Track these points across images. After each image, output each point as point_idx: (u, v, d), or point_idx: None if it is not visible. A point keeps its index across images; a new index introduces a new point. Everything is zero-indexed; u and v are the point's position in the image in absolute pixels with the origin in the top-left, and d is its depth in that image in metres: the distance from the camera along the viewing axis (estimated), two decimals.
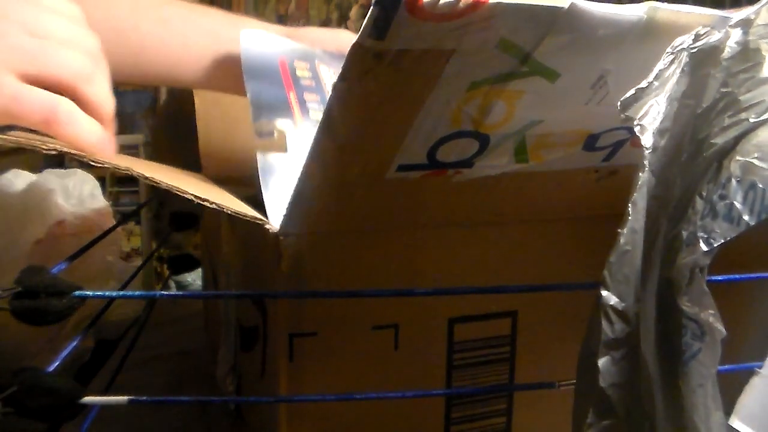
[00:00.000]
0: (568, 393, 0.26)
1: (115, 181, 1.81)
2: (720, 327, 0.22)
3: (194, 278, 0.86)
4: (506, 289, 0.36)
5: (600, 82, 0.28)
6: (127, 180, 1.76)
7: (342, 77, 0.25)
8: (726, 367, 0.30)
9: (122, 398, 0.30)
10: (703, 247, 0.21)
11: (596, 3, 0.25)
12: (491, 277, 0.38)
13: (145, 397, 0.31)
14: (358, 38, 0.24)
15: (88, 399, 0.29)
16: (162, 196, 0.81)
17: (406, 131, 0.28)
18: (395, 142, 0.29)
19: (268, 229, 0.32)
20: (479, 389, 0.39)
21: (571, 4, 0.24)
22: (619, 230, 0.23)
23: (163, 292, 0.80)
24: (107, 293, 0.47)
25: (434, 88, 0.26)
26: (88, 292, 0.30)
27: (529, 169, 0.33)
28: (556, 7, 0.24)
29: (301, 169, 0.29)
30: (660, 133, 0.23)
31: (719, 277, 0.28)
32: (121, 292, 0.53)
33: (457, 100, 0.27)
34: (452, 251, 0.37)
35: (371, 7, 0.23)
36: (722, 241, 0.21)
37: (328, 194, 0.31)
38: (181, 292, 0.84)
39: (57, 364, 0.34)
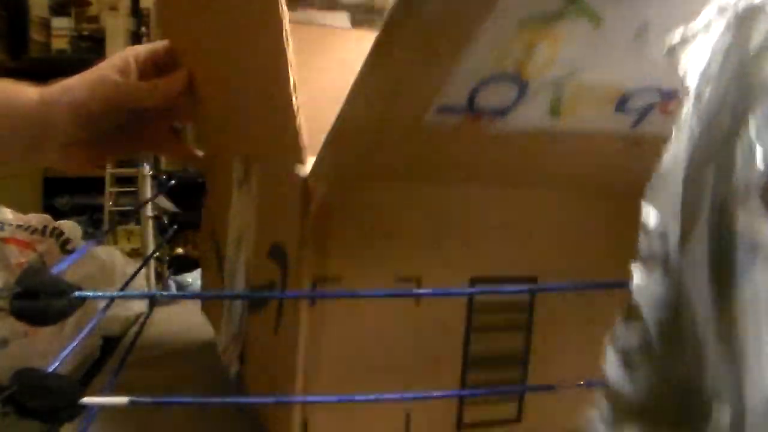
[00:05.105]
0: (583, 367, 0.26)
1: (114, 181, 1.80)
2: None
3: (194, 278, 0.86)
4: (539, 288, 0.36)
5: (641, 32, 0.28)
6: (127, 180, 1.76)
7: (395, 5, 0.25)
8: None
9: (122, 398, 0.30)
10: (759, 157, 0.21)
11: None
12: (513, 241, 0.38)
13: (145, 398, 0.30)
14: None
15: (88, 399, 0.29)
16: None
17: (454, 65, 0.28)
18: (441, 77, 0.28)
19: (297, 173, 0.32)
20: (489, 390, 0.39)
21: None
22: (665, 148, 0.23)
23: (163, 292, 0.80)
24: (107, 293, 0.47)
25: (485, 22, 0.26)
26: (88, 293, 0.30)
27: (560, 127, 0.33)
28: None
29: (342, 105, 0.29)
30: (705, 80, 0.23)
31: None
32: (122, 293, 0.53)
33: (505, 38, 0.27)
34: (478, 210, 0.37)
35: None
36: None
37: (365, 136, 0.31)
38: (181, 292, 0.84)
39: (57, 364, 0.34)
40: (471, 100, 0.30)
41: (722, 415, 0.22)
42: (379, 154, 0.33)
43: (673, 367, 0.23)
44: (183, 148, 0.59)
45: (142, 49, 0.51)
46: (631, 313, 0.23)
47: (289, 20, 0.33)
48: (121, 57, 0.50)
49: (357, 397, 0.34)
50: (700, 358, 0.22)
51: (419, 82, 0.29)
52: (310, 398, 0.35)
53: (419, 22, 0.26)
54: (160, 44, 0.51)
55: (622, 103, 0.32)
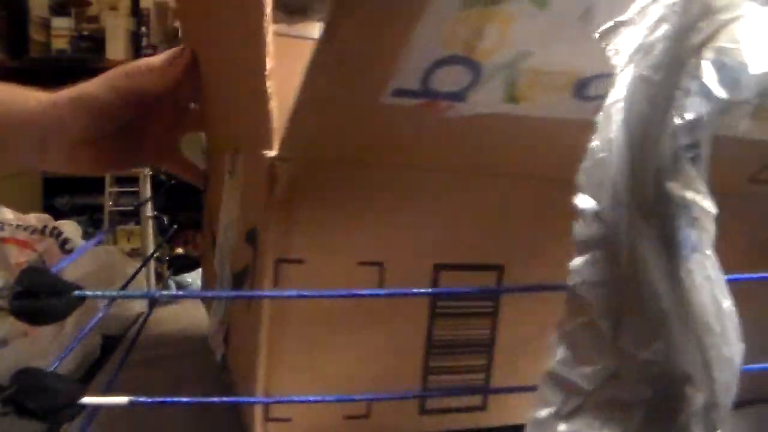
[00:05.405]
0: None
1: (114, 181, 1.80)
2: (707, 205, 0.22)
3: (194, 278, 0.86)
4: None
5: (587, 15, 0.28)
6: (127, 180, 1.76)
7: None
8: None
9: (122, 398, 0.30)
10: (678, 121, 0.21)
11: None
12: (478, 229, 0.38)
13: (145, 398, 0.31)
14: None
15: (88, 399, 0.29)
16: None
17: (402, 46, 0.28)
18: (391, 58, 0.29)
19: (264, 154, 0.32)
20: (451, 391, 0.39)
21: None
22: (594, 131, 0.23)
23: (163, 292, 0.80)
24: (107, 293, 0.47)
25: (430, 2, 0.26)
26: (88, 292, 0.30)
27: (520, 111, 0.33)
28: None
29: (299, 84, 0.29)
30: (652, 65, 0.23)
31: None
32: (122, 292, 0.53)
33: (451, 19, 0.27)
34: (444, 196, 0.37)
35: None
36: (695, 116, 0.21)
37: (325, 116, 0.31)
38: (181, 292, 0.84)
39: (57, 364, 0.34)
40: (425, 82, 0.30)
41: (696, 398, 0.22)
42: (342, 136, 0.33)
43: (637, 354, 0.23)
44: (184, 161, 0.60)
45: (153, 58, 0.52)
46: (576, 303, 0.23)
47: (287, 34, 0.33)
48: (132, 62, 0.51)
49: (325, 398, 0.34)
50: (669, 342, 0.22)
51: (371, 62, 0.29)
52: (281, 398, 0.35)
53: (367, 2, 0.26)
54: (171, 51, 0.52)
55: (579, 90, 0.32)
